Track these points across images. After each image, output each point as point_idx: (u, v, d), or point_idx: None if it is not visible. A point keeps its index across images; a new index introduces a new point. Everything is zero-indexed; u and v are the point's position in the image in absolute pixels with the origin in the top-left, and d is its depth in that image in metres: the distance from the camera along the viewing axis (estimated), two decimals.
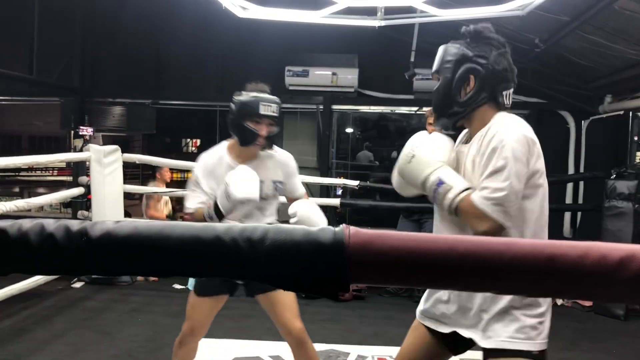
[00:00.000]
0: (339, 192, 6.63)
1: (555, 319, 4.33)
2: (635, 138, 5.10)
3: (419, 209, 4.63)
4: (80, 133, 5.68)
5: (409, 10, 4.43)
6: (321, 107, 6.32)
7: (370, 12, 4.44)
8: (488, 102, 1.65)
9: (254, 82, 2.50)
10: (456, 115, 1.69)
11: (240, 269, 0.78)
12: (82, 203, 5.08)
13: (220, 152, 2.52)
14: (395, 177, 1.91)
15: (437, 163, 1.66)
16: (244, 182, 2.30)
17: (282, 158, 2.57)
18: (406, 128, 7.26)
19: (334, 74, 6.16)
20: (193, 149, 9.90)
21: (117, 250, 0.77)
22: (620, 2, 4.07)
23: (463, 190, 1.59)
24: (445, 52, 1.72)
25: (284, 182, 2.56)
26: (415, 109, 6.71)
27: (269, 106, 2.40)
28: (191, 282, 4.81)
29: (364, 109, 6.93)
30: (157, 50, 6.47)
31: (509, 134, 1.54)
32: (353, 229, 0.77)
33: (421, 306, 1.87)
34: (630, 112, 5.25)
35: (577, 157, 6.13)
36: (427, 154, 1.68)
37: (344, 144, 7.49)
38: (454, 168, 1.69)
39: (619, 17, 4.32)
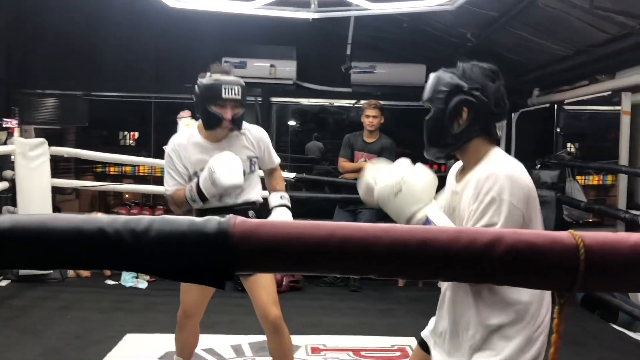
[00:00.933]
0: None
1: None
2: (558, 130, 5.32)
3: (355, 199, 4.69)
4: (4, 125, 5.44)
5: (343, 4, 4.47)
6: (260, 99, 6.29)
7: (305, 4, 4.46)
8: (481, 134, 1.60)
9: (216, 64, 2.53)
10: (448, 147, 1.64)
11: (125, 260, 0.78)
12: (7, 198, 4.88)
13: (191, 131, 2.55)
14: (364, 189, 1.81)
15: (425, 200, 1.60)
16: (228, 168, 2.36)
17: (254, 134, 2.59)
18: (345, 121, 7.32)
19: (272, 65, 6.14)
20: (131, 142, 9.67)
21: None
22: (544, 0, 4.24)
23: None
24: (437, 81, 1.64)
25: (258, 156, 2.61)
26: (353, 101, 6.78)
27: (231, 89, 2.40)
28: (124, 276, 4.71)
29: (303, 101, 6.94)
30: (88, 41, 6.24)
31: (508, 185, 1.46)
32: (239, 219, 0.79)
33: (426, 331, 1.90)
34: (555, 105, 5.47)
35: (508, 148, 6.36)
36: (414, 189, 1.59)
37: (284, 136, 7.48)
38: (447, 208, 1.66)
39: (543, 14, 4.49)
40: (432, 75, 1.68)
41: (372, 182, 1.73)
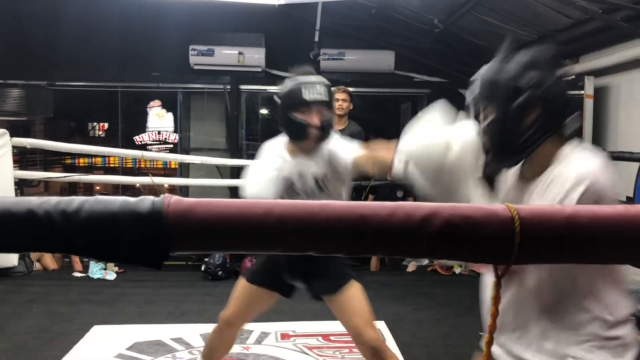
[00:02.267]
0: None
1: (451, 287, 4.53)
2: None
3: None
4: None
5: None
6: (228, 87, 6.23)
7: None
8: (555, 133, 1.33)
9: (296, 67, 2.23)
10: (520, 153, 1.34)
11: (56, 241, 0.76)
12: None
13: (279, 143, 2.29)
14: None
15: (473, 177, 1.34)
16: (304, 177, 2.13)
17: (337, 144, 2.22)
18: None
19: (240, 53, 6.08)
20: (100, 132, 9.51)
21: None
22: None
23: None
24: (495, 74, 1.34)
25: (332, 175, 2.21)
26: None
27: (314, 88, 2.10)
28: (92, 268, 4.61)
29: (273, 89, 6.89)
30: (49, 29, 6.10)
31: (603, 183, 1.25)
32: (174, 198, 0.77)
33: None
34: None
35: None
36: (468, 159, 1.30)
37: (254, 124, 7.44)
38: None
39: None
40: (484, 70, 1.37)
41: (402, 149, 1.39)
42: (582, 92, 4.77)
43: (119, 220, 0.74)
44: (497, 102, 1.32)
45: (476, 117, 1.37)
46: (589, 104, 4.72)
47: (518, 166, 1.40)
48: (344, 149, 2.22)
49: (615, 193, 1.29)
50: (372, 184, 4.75)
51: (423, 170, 1.32)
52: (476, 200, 1.31)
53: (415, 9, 5.58)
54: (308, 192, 2.19)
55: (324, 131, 2.13)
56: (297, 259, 2.09)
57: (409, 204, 0.76)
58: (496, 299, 0.78)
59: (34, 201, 0.76)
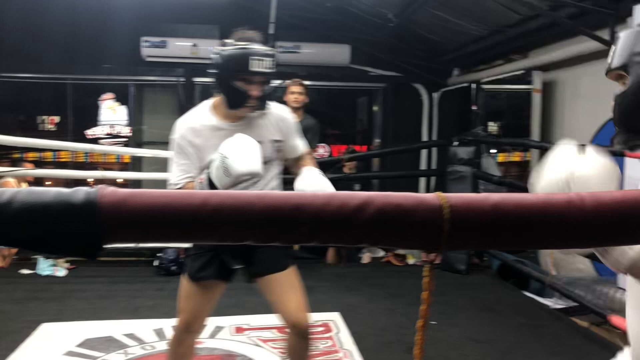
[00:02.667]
0: None
1: (404, 277, 4.60)
2: (475, 108, 5.51)
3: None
4: None
5: None
6: (182, 79, 6.15)
7: None
8: None
9: (240, 30, 2.14)
10: None
11: None
12: None
13: (203, 112, 2.17)
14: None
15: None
16: (244, 153, 1.91)
17: (277, 113, 2.22)
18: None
19: (194, 45, 6.00)
20: (50, 126, 9.24)
21: None
22: None
23: None
24: (636, 40, 1.17)
25: (282, 140, 2.23)
26: (279, 82, 6.74)
27: (262, 61, 2.04)
28: (41, 265, 4.49)
29: None
30: None
31: None
32: (110, 189, 0.77)
33: None
34: (473, 84, 5.66)
35: (430, 126, 6.53)
36: (588, 184, 1.14)
37: None
38: None
39: None
40: (623, 34, 1.21)
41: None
42: (531, 86, 4.91)
43: (53, 211, 0.73)
44: (632, 69, 1.16)
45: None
46: (537, 98, 4.87)
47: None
48: (294, 128, 2.28)
49: None
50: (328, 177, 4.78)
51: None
52: None
53: (369, 3, 5.62)
54: (262, 159, 2.07)
55: (263, 102, 2.12)
56: None
57: (344, 193, 0.78)
58: (429, 284, 0.81)
59: None
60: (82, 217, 0.73)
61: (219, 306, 3.89)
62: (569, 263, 4.34)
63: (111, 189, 0.77)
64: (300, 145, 2.33)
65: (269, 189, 2.21)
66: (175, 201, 0.76)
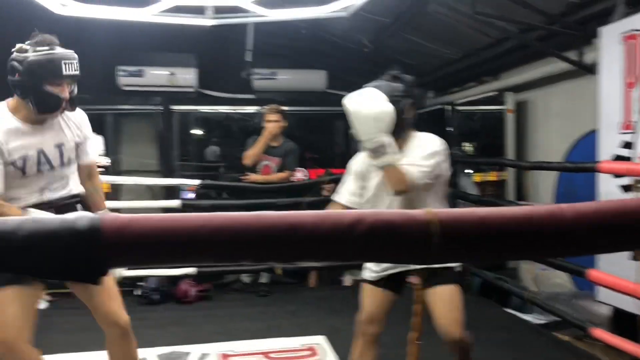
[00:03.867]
0: (187, 194, 6.50)
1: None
2: (450, 129, 5.63)
3: (261, 204, 4.73)
4: None
5: (240, 10, 4.49)
6: (160, 107, 6.17)
7: (201, 10, 4.43)
8: None
9: (38, 34, 2.18)
10: None
11: None
12: None
13: (3, 116, 2.17)
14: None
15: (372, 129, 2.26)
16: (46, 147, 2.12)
17: (78, 115, 2.34)
18: (249, 127, 7.32)
19: (171, 73, 6.05)
20: None
21: None
22: (432, 6, 4.48)
23: None
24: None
25: (80, 142, 2.33)
26: (256, 108, 6.79)
27: (71, 64, 2.15)
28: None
29: (205, 109, 6.88)
30: None
31: None
32: (112, 215, 0.80)
33: None
34: (447, 106, 5.78)
35: None
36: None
37: (187, 145, 7.37)
38: None
39: (433, 20, 4.75)
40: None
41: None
42: (504, 107, 5.05)
43: (58, 237, 0.76)
44: None
45: None
46: (510, 118, 5.00)
47: None
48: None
49: None
50: (308, 200, 4.83)
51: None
52: None
53: (344, 29, 5.73)
54: (65, 161, 2.24)
55: (72, 104, 2.21)
56: None
57: (335, 212, 0.82)
58: (420, 296, 0.85)
59: None
60: (86, 243, 0.76)
61: (205, 333, 3.90)
62: (547, 278, 4.41)
63: (113, 214, 0.79)
64: (91, 152, 2.43)
65: (70, 191, 2.29)
66: (174, 225, 0.79)
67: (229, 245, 0.80)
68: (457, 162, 5.26)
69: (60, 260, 0.77)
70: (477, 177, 6.66)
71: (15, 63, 2.11)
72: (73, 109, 2.24)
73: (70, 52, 2.17)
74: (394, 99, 2.29)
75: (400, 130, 2.35)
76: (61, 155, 2.23)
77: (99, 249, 0.76)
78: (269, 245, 0.80)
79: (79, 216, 0.78)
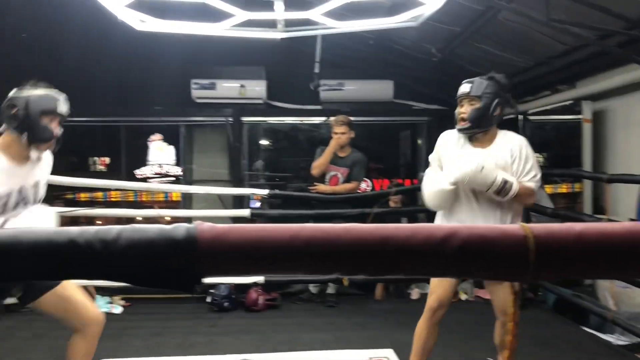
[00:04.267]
0: (255, 203, 6.62)
1: (457, 313, 4.53)
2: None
3: (328, 214, 4.74)
4: None
5: (310, 23, 4.54)
6: (230, 119, 6.32)
7: (272, 24, 4.52)
8: None
9: (33, 81, 2.46)
10: None
11: (96, 269, 0.80)
12: None
13: None
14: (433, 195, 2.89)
15: (496, 170, 2.53)
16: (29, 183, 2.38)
17: (47, 156, 2.58)
18: (316, 138, 7.38)
19: (242, 86, 6.19)
20: (101, 167, 9.57)
21: None
22: (504, 14, 4.38)
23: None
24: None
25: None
26: (323, 118, 6.84)
27: (65, 104, 2.46)
28: (98, 302, 4.60)
29: (274, 120, 6.99)
30: (50, 65, 6.16)
31: None
32: (207, 224, 0.82)
33: None
34: (520, 115, 5.62)
35: None
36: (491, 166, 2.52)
37: (257, 155, 7.50)
38: None
39: (504, 28, 4.64)
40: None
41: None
42: (580, 116, 4.85)
43: (156, 246, 0.78)
44: None
45: None
46: (587, 128, 4.80)
47: None
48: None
49: None
50: (376, 210, 4.79)
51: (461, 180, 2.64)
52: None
53: (412, 38, 5.69)
54: (29, 198, 2.43)
55: (57, 142, 2.45)
56: None
57: (428, 225, 0.80)
58: (514, 315, 0.82)
59: (74, 231, 0.80)
60: (183, 252, 0.78)
61: (272, 342, 3.93)
62: (629, 297, 4.18)
63: (209, 224, 0.81)
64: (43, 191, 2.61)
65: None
66: (267, 235, 0.80)
67: (320, 257, 0.80)
68: None
69: (157, 268, 0.80)
70: (548, 189, 6.42)
71: (14, 100, 2.36)
72: (56, 149, 2.47)
73: (62, 95, 2.46)
74: (485, 95, 2.68)
75: (487, 125, 2.72)
76: (36, 193, 2.49)
77: (195, 258, 0.79)
78: (360, 258, 0.80)
79: (176, 225, 0.81)
